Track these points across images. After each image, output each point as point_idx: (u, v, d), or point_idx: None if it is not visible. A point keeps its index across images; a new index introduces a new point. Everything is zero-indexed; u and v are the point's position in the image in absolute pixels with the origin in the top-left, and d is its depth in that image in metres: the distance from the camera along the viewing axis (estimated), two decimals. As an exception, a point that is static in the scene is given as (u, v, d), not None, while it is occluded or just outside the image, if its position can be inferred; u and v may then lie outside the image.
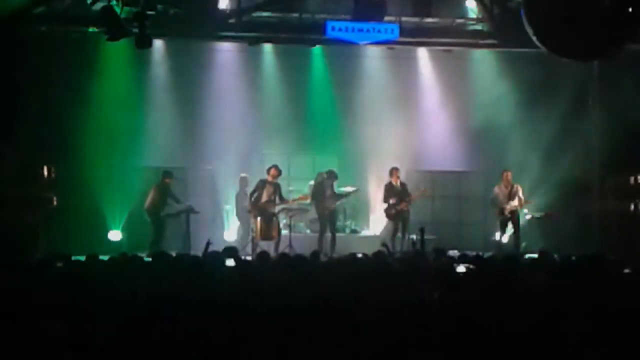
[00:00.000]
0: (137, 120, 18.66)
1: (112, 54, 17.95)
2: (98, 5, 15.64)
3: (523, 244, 17.28)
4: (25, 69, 17.03)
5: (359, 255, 9.82)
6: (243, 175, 18.60)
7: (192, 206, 17.38)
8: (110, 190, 18.09)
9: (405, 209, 17.78)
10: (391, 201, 17.78)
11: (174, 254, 10.24)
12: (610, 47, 11.77)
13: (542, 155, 19.31)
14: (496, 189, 17.89)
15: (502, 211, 17.72)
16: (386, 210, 17.96)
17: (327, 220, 17.71)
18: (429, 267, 7.96)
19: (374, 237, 18.48)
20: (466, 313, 5.89)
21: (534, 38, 11.54)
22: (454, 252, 11.66)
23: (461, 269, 7.85)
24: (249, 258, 11.85)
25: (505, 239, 17.70)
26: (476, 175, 20.18)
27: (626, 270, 8.83)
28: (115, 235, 18.23)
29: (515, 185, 17.87)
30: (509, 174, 17.95)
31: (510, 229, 17.70)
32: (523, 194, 17.84)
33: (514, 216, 17.69)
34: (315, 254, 11.74)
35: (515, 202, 17.64)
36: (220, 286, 7.62)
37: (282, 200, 17.45)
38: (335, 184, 17.98)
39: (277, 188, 17.40)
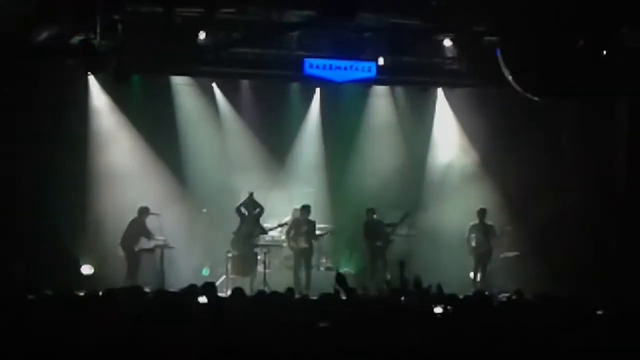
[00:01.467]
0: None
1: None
2: (76, 39, 15.62)
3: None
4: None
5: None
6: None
7: (167, 241, 17.36)
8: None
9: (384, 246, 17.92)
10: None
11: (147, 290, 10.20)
12: (584, 88, 11.88)
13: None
14: (470, 227, 18.03)
15: (476, 250, 17.83)
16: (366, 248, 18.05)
17: (302, 257, 17.70)
18: (407, 308, 7.94)
19: (350, 274, 18.43)
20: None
21: (509, 78, 11.64)
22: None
23: (438, 309, 7.85)
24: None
25: (478, 277, 17.80)
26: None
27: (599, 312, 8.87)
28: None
29: (490, 224, 18.02)
30: (485, 211, 18.07)
31: (482, 267, 17.82)
32: (497, 232, 17.97)
33: (487, 255, 17.82)
34: (291, 291, 11.75)
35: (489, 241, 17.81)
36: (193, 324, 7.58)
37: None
38: (310, 220, 17.98)
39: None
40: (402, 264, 9.63)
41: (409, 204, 18.82)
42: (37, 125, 17.19)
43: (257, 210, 17.95)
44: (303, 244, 17.83)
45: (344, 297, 8.60)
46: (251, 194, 17.97)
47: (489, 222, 18.34)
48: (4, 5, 14.53)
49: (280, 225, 18.38)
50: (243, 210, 17.88)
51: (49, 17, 15.31)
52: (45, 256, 16.64)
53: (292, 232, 17.95)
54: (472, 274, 17.96)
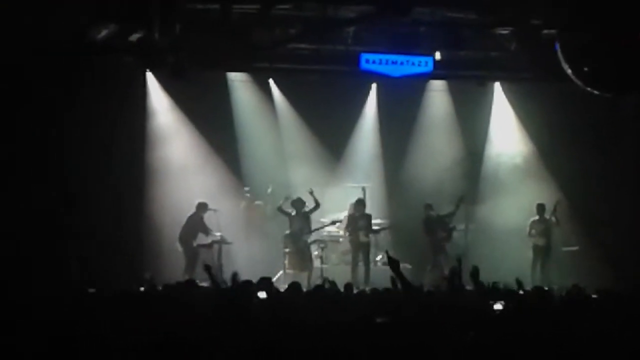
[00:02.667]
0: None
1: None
2: (134, 37, 15.76)
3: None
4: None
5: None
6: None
7: (225, 237, 17.47)
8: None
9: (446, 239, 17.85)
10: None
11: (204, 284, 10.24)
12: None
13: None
14: (531, 222, 18.01)
15: (536, 245, 17.66)
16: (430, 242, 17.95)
17: (360, 251, 17.68)
18: (465, 305, 7.86)
19: (407, 269, 18.34)
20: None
21: (569, 72, 11.45)
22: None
23: (498, 306, 7.77)
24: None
25: (537, 272, 17.68)
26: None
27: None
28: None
29: (549, 219, 17.85)
30: (544, 207, 17.89)
31: (541, 263, 17.66)
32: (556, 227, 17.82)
33: (546, 251, 17.67)
34: (349, 287, 11.73)
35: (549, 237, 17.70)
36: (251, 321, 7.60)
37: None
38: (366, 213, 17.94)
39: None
40: (460, 260, 9.56)
41: (466, 199, 18.65)
42: (96, 123, 17.29)
43: (308, 208, 17.91)
44: (362, 238, 17.80)
45: (399, 287, 8.52)
46: (295, 198, 17.96)
47: (548, 216, 18.16)
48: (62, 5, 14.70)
49: (333, 223, 18.36)
50: (288, 210, 17.87)
51: (107, 16, 15.47)
52: (103, 254, 16.73)
53: (350, 227, 17.92)
54: (531, 269, 17.79)
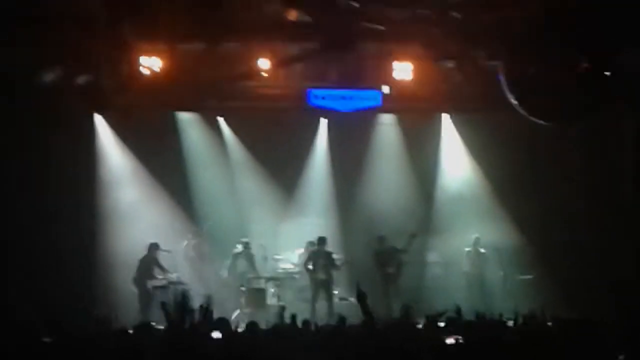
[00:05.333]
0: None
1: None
2: (82, 79, 15.70)
3: None
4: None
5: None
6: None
7: (181, 278, 17.39)
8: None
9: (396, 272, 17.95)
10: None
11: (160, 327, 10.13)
12: (588, 111, 11.89)
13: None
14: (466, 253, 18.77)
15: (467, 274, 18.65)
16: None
17: (320, 289, 17.70)
18: (419, 337, 7.90)
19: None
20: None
21: (514, 102, 11.64)
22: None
23: (450, 340, 7.82)
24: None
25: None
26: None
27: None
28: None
29: (483, 252, 18.66)
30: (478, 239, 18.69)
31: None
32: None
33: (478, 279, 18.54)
34: (307, 323, 11.70)
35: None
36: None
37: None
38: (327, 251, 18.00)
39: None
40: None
41: (419, 229, 18.81)
42: (44, 165, 17.21)
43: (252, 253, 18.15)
44: (322, 275, 17.83)
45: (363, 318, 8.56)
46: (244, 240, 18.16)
47: (482, 249, 18.83)
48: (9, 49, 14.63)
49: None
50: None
51: (54, 59, 15.42)
52: (55, 298, 16.59)
53: (310, 263, 17.94)
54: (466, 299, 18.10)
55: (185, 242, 18.70)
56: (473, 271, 18.82)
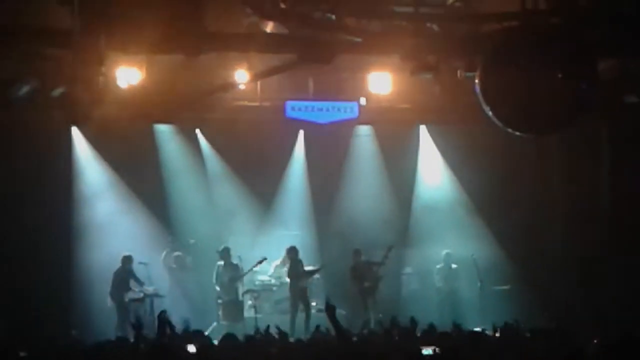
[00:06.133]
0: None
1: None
2: (57, 91, 15.62)
3: None
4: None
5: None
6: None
7: (157, 290, 17.31)
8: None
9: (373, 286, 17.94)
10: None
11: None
12: (564, 121, 11.94)
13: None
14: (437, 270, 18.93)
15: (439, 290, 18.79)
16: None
17: (299, 299, 17.67)
18: (396, 348, 7.90)
19: (342, 314, 18.35)
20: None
21: (490, 114, 11.67)
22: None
23: (427, 351, 7.82)
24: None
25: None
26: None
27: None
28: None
29: (454, 268, 18.85)
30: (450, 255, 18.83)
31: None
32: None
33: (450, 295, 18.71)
34: (284, 335, 11.68)
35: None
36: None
37: None
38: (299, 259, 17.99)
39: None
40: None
41: (396, 242, 18.85)
42: (21, 178, 17.11)
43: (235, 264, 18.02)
44: (303, 284, 17.83)
45: (333, 334, 8.55)
46: (222, 248, 18.10)
47: (453, 265, 18.96)
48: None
49: (260, 262, 18.21)
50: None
51: (29, 72, 15.35)
52: (31, 313, 16.46)
53: (292, 272, 17.91)
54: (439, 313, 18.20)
55: (164, 252, 18.62)
56: (445, 287, 18.94)
